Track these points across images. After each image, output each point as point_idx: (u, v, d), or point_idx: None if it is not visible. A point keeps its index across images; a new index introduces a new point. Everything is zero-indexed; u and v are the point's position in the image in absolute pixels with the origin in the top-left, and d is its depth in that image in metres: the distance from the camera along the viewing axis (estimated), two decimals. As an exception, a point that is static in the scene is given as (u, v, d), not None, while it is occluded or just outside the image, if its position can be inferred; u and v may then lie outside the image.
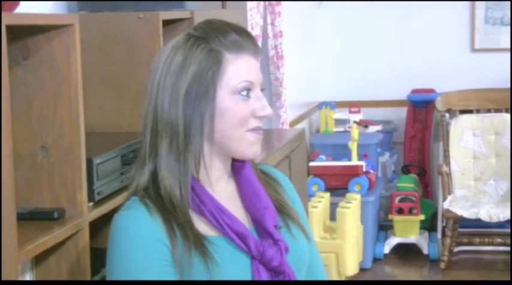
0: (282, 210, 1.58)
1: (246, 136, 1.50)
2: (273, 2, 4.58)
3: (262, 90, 1.54)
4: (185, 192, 1.47)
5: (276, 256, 1.47)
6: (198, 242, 1.44)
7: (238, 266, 1.46)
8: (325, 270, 1.70)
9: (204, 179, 1.51)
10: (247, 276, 1.46)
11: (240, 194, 1.56)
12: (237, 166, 1.57)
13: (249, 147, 1.51)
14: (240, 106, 1.49)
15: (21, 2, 1.72)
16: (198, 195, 1.48)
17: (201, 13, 2.41)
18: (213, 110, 1.47)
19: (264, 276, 1.46)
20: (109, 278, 1.47)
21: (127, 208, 1.49)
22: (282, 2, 4.66)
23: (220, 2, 3.03)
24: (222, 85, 1.48)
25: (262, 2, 4.30)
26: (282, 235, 1.52)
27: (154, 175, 1.49)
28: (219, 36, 1.49)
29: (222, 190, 1.55)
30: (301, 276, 1.56)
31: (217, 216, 1.47)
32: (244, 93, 1.49)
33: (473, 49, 5.96)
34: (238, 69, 1.49)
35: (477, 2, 5.88)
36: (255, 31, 4.10)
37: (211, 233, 1.47)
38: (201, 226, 1.47)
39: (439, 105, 5.33)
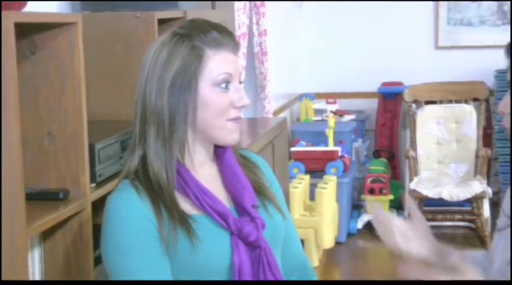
0: (260, 191, 1.57)
1: (226, 125, 1.50)
2: (258, 3, 4.56)
3: (241, 82, 1.53)
4: (171, 175, 1.47)
5: (252, 232, 1.47)
6: (183, 220, 1.44)
7: (219, 241, 1.46)
8: (301, 244, 1.70)
9: (189, 163, 1.51)
10: (227, 250, 1.46)
11: (222, 176, 1.56)
12: (219, 152, 1.57)
13: (229, 135, 1.51)
14: (220, 97, 1.48)
15: (29, 2, 1.70)
16: (183, 178, 1.48)
17: (193, 13, 2.39)
18: (196, 101, 1.47)
19: (243, 250, 1.46)
20: (103, 252, 1.47)
21: (119, 190, 1.49)
22: (266, 2, 4.64)
23: (210, 3, 3.00)
24: (203, 78, 1.47)
25: (248, 3, 4.28)
26: (259, 213, 1.52)
27: (144, 160, 1.49)
28: (201, 34, 1.48)
29: (205, 173, 1.54)
30: (277, 250, 1.55)
31: (200, 196, 1.47)
32: (224, 85, 1.49)
33: (437, 47, 5.97)
34: (218, 63, 1.48)
35: (440, 4, 5.89)
36: (242, 29, 4.08)
37: (194, 212, 1.47)
38: (185, 205, 1.47)
39: (407, 96, 5.33)
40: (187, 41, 1.48)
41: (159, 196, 1.45)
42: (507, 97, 1.50)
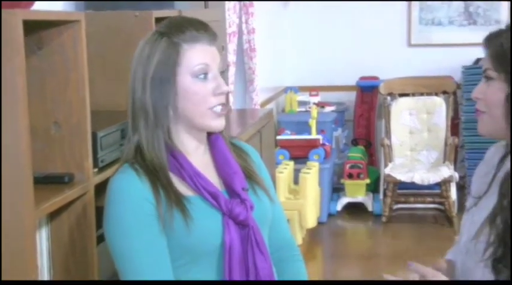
0: (250, 176, 1.57)
1: (208, 113, 1.48)
2: (247, 3, 4.53)
3: (222, 72, 1.51)
4: (163, 161, 1.46)
5: (242, 212, 1.46)
6: (178, 201, 1.43)
7: (211, 220, 1.45)
8: (287, 224, 1.69)
9: (182, 149, 1.50)
10: (218, 229, 1.45)
11: (215, 162, 1.55)
12: (212, 140, 1.56)
13: (213, 121, 1.49)
14: (199, 87, 1.47)
15: (36, 1, 1.68)
16: (179, 161, 1.47)
17: (188, 12, 2.37)
18: (176, 92, 1.46)
19: (233, 228, 1.46)
20: (106, 230, 1.46)
21: (120, 172, 1.49)
22: (254, 3, 4.62)
23: (203, 2, 2.97)
24: (182, 70, 1.46)
25: (238, 3, 4.25)
26: (248, 195, 1.51)
27: (139, 147, 1.49)
28: (178, 31, 1.47)
29: (199, 159, 1.53)
30: (265, 230, 1.55)
31: (194, 179, 1.46)
32: (202, 75, 1.47)
33: (410, 45, 5.97)
34: (195, 55, 1.46)
35: (413, 4, 5.88)
36: (232, 28, 4.05)
37: (189, 193, 1.46)
38: (181, 187, 1.46)
39: (382, 89, 5.34)
40: (166, 38, 1.46)
41: (157, 177, 1.45)
42: (480, 85, 1.52)
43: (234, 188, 1.50)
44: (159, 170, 1.45)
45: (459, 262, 1.60)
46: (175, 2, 2.29)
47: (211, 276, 1.46)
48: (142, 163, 1.47)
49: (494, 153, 1.62)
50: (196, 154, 1.53)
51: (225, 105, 1.50)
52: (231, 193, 1.50)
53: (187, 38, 1.46)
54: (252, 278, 1.46)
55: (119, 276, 1.46)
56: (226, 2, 3.81)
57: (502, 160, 1.55)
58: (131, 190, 1.44)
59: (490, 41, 1.51)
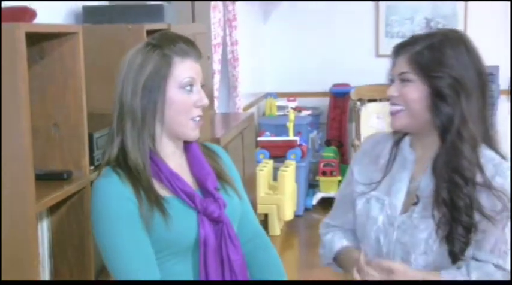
0: (221, 176, 1.56)
1: (189, 124, 1.48)
2: (231, 18, 4.55)
3: (202, 85, 1.51)
4: (146, 162, 1.44)
5: (215, 210, 1.46)
6: (158, 201, 1.42)
7: (188, 219, 1.45)
8: (255, 216, 1.67)
9: (161, 153, 1.48)
10: (194, 226, 1.45)
11: (189, 165, 1.53)
12: (186, 146, 1.55)
13: (191, 131, 1.48)
14: (184, 98, 1.46)
15: (38, 15, 1.68)
16: (157, 165, 1.46)
17: (177, 26, 2.38)
18: (164, 100, 1.44)
19: (207, 225, 1.45)
20: (94, 229, 1.45)
21: (103, 176, 1.46)
22: (238, 17, 4.63)
23: (190, 17, 2.98)
24: (171, 81, 1.45)
25: (222, 18, 4.26)
26: (221, 194, 1.51)
27: (122, 149, 1.46)
28: (170, 44, 1.46)
29: (176, 162, 1.51)
30: (235, 224, 1.54)
31: (172, 180, 1.45)
32: (188, 87, 1.46)
33: (378, 55, 6.00)
34: (184, 69, 1.46)
35: (380, 20, 5.92)
36: (217, 40, 4.06)
37: (167, 194, 1.45)
38: (159, 189, 1.45)
39: (353, 95, 5.36)
40: (159, 50, 1.45)
41: (138, 180, 1.43)
42: (395, 85, 1.63)
43: (208, 188, 1.49)
44: (141, 173, 1.43)
45: (384, 238, 1.55)
46: (166, 15, 2.29)
47: (189, 267, 1.46)
48: (124, 166, 1.44)
49: (373, 143, 1.68)
50: (174, 158, 1.51)
51: (202, 116, 1.50)
52: (204, 192, 1.49)
53: (177, 51, 1.45)
54: (226, 267, 1.46)
55: (109, 270, 1.45)
56: (212, 16, 3.82)
57: (396, 146, 1.60)
58: (114, 192, 1.42)
59: (405, 48, 1.58)
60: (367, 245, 1.58)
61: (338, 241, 1.68)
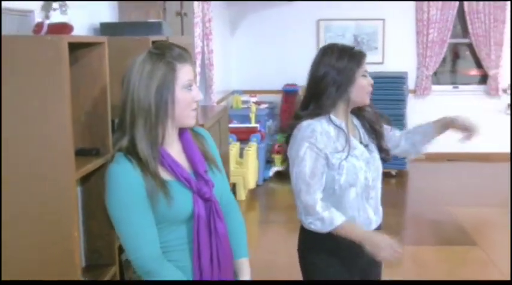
0: (206, 156, 1.50)
1: (191, 114, 1.45)
2: (208, 32, 4.57)
3: (196, 84, 1.48)
4: (156, 153, 1.38)
5: (207, 191, 1.42)
6: (162, 185, 1.37)
7: (185, 198, 1.41)
8: (229, 186, 1.62)
9: (165, 142, 1.44)
10: (190, 204, 1.41)
11: (184, 151, 1.49)
12: (181, 132, 1.50)
13: (192, 120, 1.45)
14: (187, 95, 1.43)
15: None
16: (162, 154, 1.41)
17: (172, 37, 2.40)
18: (173, 99, 1.41)
19: (200, 203, 1.41)
20: (108, 206, 1.37)
21: (116, 161, 1.37)
22: (213, 32, 4.64)
23: (180, 31, 3.01)
24: (177, 83, 1.41)
25: (201, 32, 4.28)
26: (209, 176, 1.46)
27: (133, 142, 1.38)
28: (171, 52, 1.42)
29: (175, 149, 1.45)
30: (220, 200, 1.51)
31: (173, 167, 1.41)
32: (189, 87, 1.43)
33: (318, 62, 6.07)
34: (185, 72, 1.42)
35: (320, 35, 6.00)
36: (198, 49, 4.08)
37: (169, 178, 1.41)
38: (163, 173, 1.41)
39: (300, 92, 5.42)
40: (163, 58, 1.41)
41: (146, 167, 1.37)
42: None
43: (199, 171, 1.46)
44: (150, 162, 1.36)
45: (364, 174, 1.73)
46: (164, 29, 2.30)
47: (181, 235, 1.44)
48: (135, 155, 1.37)
49: (326, 125, 1.72)
50: (172, 146, 1.46)
51: (196, 107, 1.49)
52: (197, 175, 1.46)
53: (178, 58, 1.42)
54: (213, 236, 1.44)
55: (120, 240, 1.40)
56: (195, 31, 3.83)
57: (333, 123, 1.73)
58: (126, 176, 1.35)
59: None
60: (359, 188, 1.72)
61: (339, 216, 1.70)
